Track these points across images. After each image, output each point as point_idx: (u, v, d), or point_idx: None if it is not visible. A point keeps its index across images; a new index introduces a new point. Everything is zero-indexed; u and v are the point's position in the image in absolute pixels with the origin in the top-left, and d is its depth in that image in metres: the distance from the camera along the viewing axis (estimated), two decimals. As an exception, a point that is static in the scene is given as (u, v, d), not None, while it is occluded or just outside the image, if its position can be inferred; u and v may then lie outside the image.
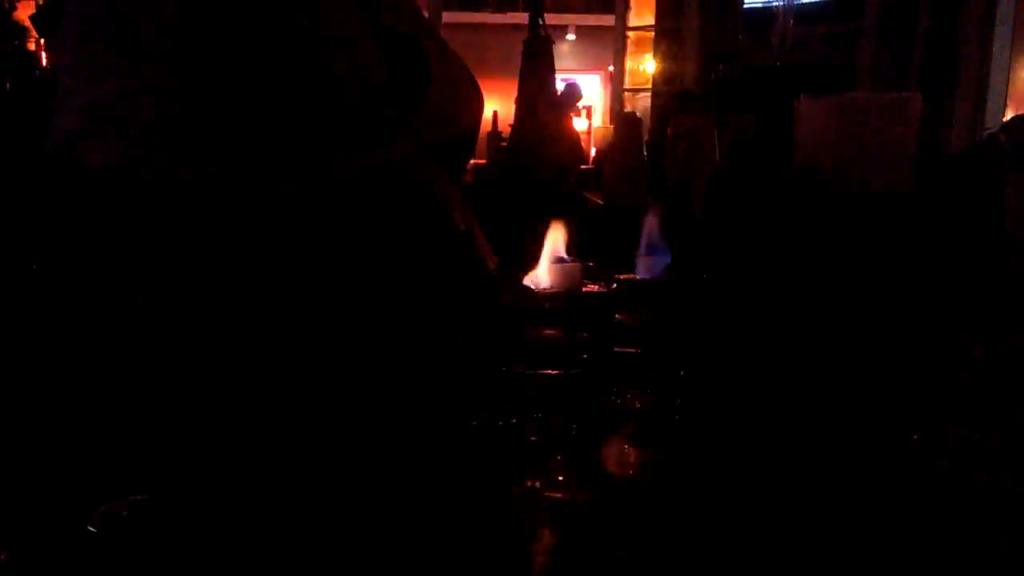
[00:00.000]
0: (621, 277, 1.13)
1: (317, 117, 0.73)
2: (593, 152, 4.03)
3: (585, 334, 0.91)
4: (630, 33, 5.63)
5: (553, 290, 0.97)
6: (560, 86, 2.37)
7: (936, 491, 0.70)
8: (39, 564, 0.57)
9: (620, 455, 0.75)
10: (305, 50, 0.73)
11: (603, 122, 8.94)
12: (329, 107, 0.74)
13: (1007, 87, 3.49)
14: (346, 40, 0.77)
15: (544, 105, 2.06)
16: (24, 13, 2.90)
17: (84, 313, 0.72)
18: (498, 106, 3.36)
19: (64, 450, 0.65)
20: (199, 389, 0.75)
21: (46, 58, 2.78)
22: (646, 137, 2.43)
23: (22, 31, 2.90)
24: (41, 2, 2.82)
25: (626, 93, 5.70)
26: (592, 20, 9.13)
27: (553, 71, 2.27)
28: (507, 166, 2.03)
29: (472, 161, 4.53)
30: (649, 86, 5.50)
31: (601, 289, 1.06)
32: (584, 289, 1.04)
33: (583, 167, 3.18)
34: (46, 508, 0.61)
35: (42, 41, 2.83)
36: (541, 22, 2.29)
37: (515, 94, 2.24)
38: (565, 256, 1.05)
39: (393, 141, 0.77)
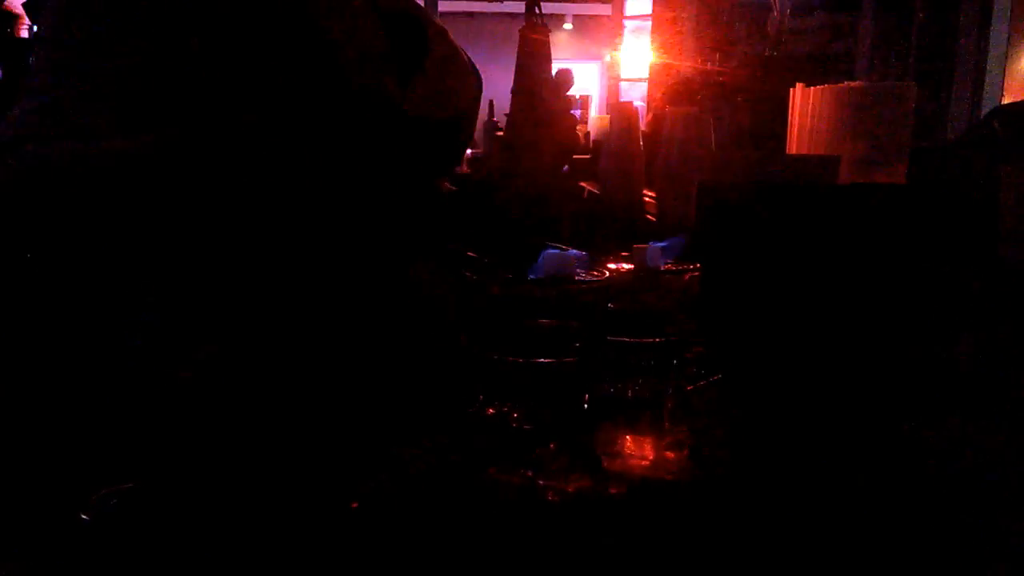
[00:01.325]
0: (616, 266, 1.14)
1: (313, 81, 0.73)
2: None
3: (578, 323, 0.91)
4: (627, 22, 5.62)
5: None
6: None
7: (931, 483, 0.71)
8: (31, 552, 0.57)
9: (613, 444, 0.75)
10: (302, 15, 0.72)
11: (600, 112, 8.92)
12: (325, 72, 0.73)
13: (1003, 77, 3.49)
14: (345, 9, 0.76)
15: (541, 94, 2.05)
16: (16, 0, 2.88)
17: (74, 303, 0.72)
18: (494, 96, 3.34)
19: (54, 439, 0.65)
20: (189, 372, 0.75)
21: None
22: (643, 127, 2.42)
23: (14, 19, 2.88)
24: (34, -11, 2.80)
25: (623, 83, 5.69)
26: (589, 9, 9.09)
27: (550, 61, 2.27)
28: (504, 160, 2.01)
29: (469, 151, 4.52)
30: (646, 76, 5.49)
31: (595, 278, 1.06)
32: (578, 278, 1.04)
33: (578, 156, 3.17)
34: (37, 496, 0.61)
35: (35, 29, 2.81)
36: (538, 11, 2.28)
37: (511, 84, 2.23)
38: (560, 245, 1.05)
39: (390, 106, 0.76)
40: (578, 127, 2.31)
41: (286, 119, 0.69)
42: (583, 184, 2.38)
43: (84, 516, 0.57)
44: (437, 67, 0.84)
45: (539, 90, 1.96)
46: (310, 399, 0.76)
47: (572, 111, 2.11)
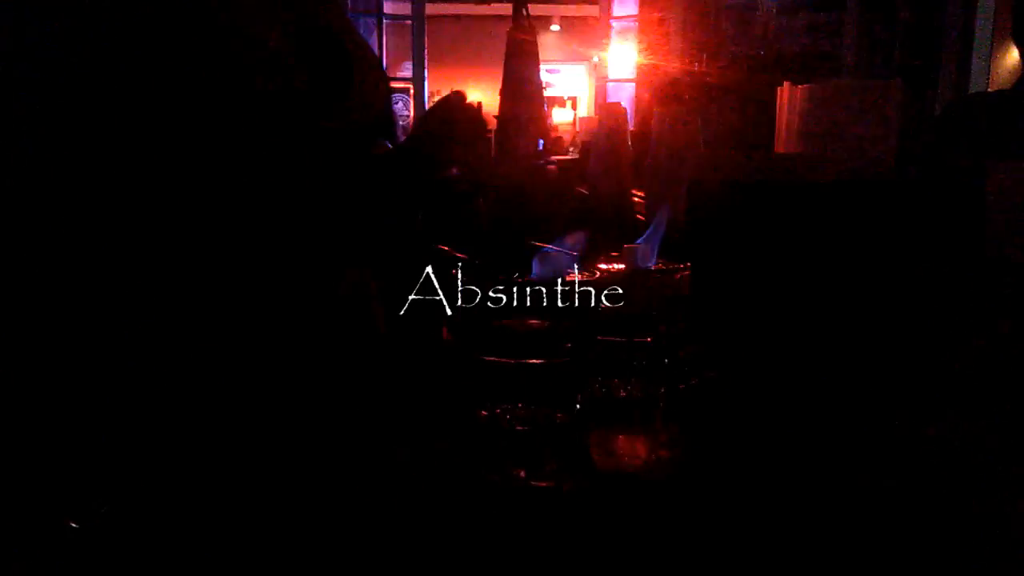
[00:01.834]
0: (605, 266, 1.14)
1: (229, 110, 0.74)
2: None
3: (569, 323, 0.91)
4: (615, 23, 5.63)
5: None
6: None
7: (926, 478, 0.71)
8: (19, 558, 0.57)
9: (604, 444, 0.75)
10: (215, 44, 0.73)
11: (588, 113, 8.93)
12: (239, 99, 0.75)
13: (988, 74, 3.51)
14: (259, 37, 0.78)
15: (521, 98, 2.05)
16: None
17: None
18: (482, 98, 3.35)
19: (41, 448, 0.64)
20: (182, 386, 0.74)
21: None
22: (631, 127, 2.43)
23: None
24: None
25: (611, 84, 5.70)
26: (577, 11, 9.09)
27: (537, 62, 2.27)
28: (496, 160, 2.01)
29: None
30: (634, 77, 5.50)
31: (586, 278, 1.06)
32: (568, 278, 1.04)
33: (565, 157, 3.17)
34: (26, 504, 0.61)
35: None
36: (525, 13, 2.28)
37: (499, 86, 2.24)
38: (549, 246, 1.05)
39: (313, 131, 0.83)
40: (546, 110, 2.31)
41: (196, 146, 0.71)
42: (575, 187, 2.38)
43: (72, 524, 0.56)
44: (360, 84, 0.92)
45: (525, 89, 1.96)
46: (300, 404, 0.75)
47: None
